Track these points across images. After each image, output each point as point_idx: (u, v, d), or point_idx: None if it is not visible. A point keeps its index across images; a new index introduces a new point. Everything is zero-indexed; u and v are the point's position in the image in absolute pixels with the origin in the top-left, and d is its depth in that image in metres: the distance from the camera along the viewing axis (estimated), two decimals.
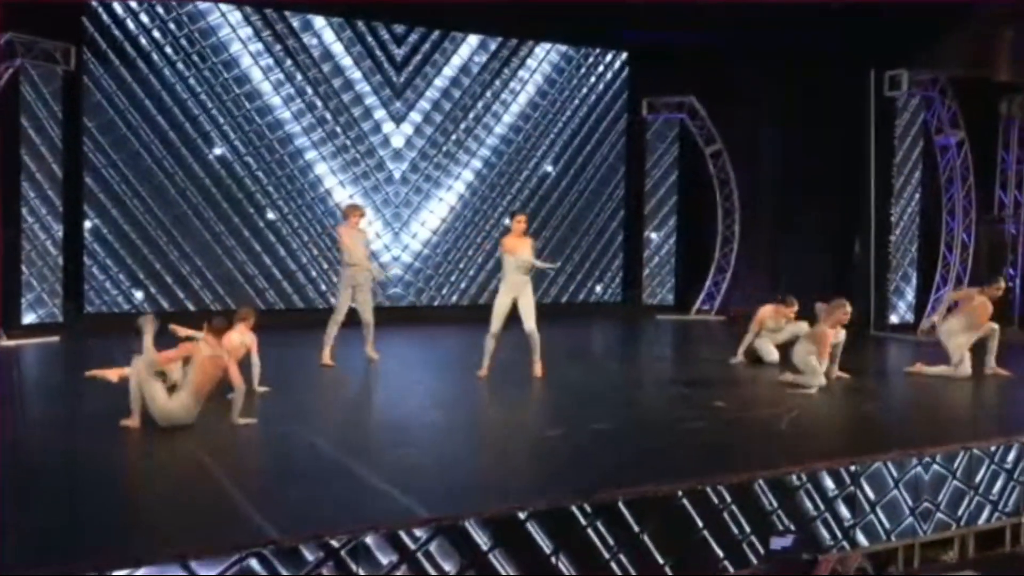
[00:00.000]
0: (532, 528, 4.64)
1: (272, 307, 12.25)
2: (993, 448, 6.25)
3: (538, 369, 8.56)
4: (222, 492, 4.94)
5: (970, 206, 12.47)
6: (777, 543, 4.28)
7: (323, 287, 12.73)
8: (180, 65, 11.78)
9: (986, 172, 12.70)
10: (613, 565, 4.82)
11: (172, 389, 6.44)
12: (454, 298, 13.68)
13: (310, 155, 12.59)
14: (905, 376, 9.14)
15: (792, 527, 4.84)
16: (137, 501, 4.97)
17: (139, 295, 11.73)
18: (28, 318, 10.76)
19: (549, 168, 14.13)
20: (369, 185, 12.97)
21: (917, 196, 12.47)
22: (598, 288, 14.71)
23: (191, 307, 11.87)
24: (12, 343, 10.15)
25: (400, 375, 9.09)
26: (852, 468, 5.67)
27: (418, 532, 4.35)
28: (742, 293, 14.25)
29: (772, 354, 9.58)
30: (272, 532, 4.21)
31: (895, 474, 5.83)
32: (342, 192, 12.76)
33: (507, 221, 13.71)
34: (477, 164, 13.67)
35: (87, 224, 11.44)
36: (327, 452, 5.82)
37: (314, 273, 12.75)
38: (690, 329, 13.46)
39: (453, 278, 13.64)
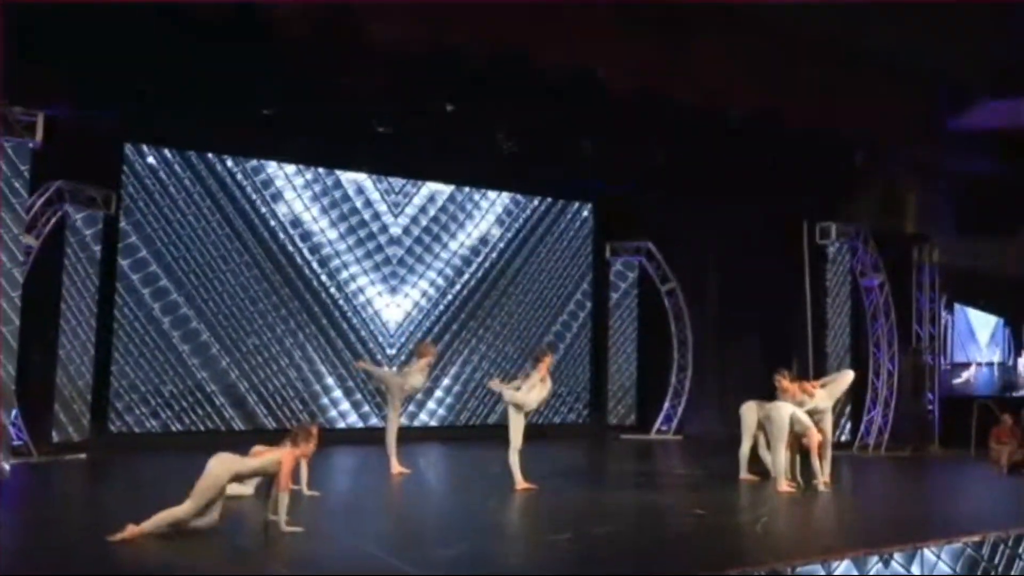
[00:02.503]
0: None
1: (283, 426, 12.48)
2: (939, 548, 6.76)
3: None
4: None
5: (893, 339, 13.33)
6: None
7: (298, 409, 13.02)
8: (205, 210, 12.34)
9: (905, 309, 13.62)
10: None
11: None
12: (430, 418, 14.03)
13: (324, 285, 13.11)
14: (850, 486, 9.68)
15: None
16: None
17: (157, 418, 11.91)
18: (57, 436, 10.84)
19: (522, 302, 14.80)
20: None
21: (847, 329, 13.30)
22: (567, 410, 15.14)
23: (205, 427, 12.09)
24: (43, 459, 10.23)
25: (405, 487, 9.39)
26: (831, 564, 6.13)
27: None
28: (696, 415, 14.86)
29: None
30: None
31: (858, 572, 6.28)
32: (354, 315, 13.26)
33: (483, 347, 14.38)
34: (463, 293, 14.27)
35: (115, 350, 11.68)
36: (377, 554, 6.11)
37: (299, 397, 13.03)
38: (652, 448, 13.89)
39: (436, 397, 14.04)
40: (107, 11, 8.77)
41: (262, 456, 6.65)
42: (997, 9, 10.76)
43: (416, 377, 9.90)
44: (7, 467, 7.75)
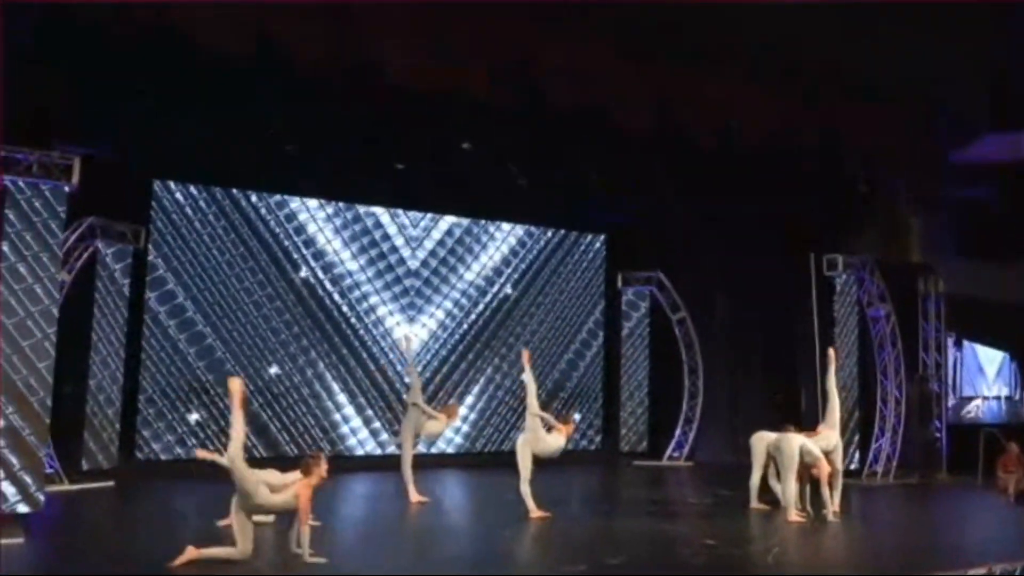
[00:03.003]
0: None
1: (304, 453, 12.56)
2: None
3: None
4: None
5: (900, 367, 13.32)
6: None
7: (318, 436, 13.11)
8: (230, 244, 12.53)
9: (911, 338, 13.62)
10: None
11: None
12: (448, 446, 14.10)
13: (344, 316, 13.25)
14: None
15: None
16: None
17: (181, 447, 12.03)
18: (86, 464, 10.96)
19: (536, 332, 14.89)
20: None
21: (855, 358, 13.29)
22: (580, 437, 15.16)
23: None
24: (73, 487, 10.35)
25: (423, 516, 9.45)
26: None
27: None
28: (707, 442, 14.88)
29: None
30: None
31: None
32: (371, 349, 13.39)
33: (498, 377, 14.46)
34: (478, 323, 14.39)
35: (143, 380, 11.84)
36: None
37: (319, 425, 13.14)
38: (663, 474, 13.88)
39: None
40: (136, 54, 9.03)
41: (282, 493, 6.74)
42: (998, 42, 10.88)
43: (435, 425, 10.01)
44: (42, 497, 7.87)
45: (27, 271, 7.78)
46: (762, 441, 9.79)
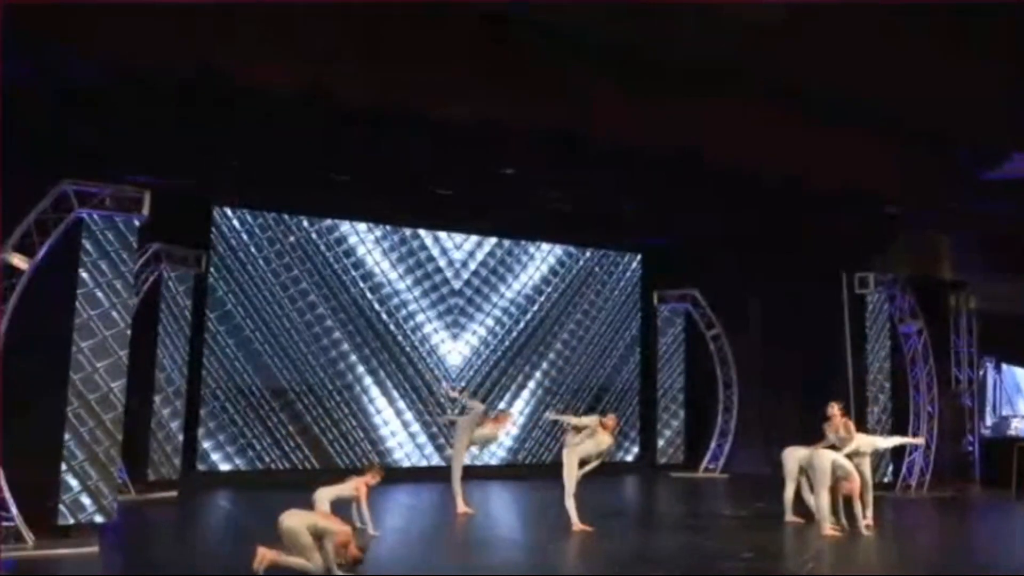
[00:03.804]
0: None
1: (354, 465, 12.87)
2: None
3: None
4: None
5: (932, 382, 13.25)
6: None
7: (367, 449, 13.36)
8: (283, 266, 12.91)
9: (943, 354, 13.54)
10: None
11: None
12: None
13: (392, 334, 13.54)
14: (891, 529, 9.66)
15: None
16: None
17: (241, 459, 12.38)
18: (151, 475, 11.33)
19: (576, 348, 15.06)
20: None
21: (888, 374, 13.23)
22: (617, 448, 15.25)
23: (283, 466, 12.54)
24: (139, 497, 10.73)
25: (468, 527, 9.63)
26: None
27: None
28: (741, 454, 14.90)
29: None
30: None
31: None
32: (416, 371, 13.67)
33: (540, 392, 14.65)
34: (520, 339, 14.58)
35: (204, 395, 12.23)
36: None
37: (368, 438, 13.40)
38: (700, 486, 13.93)
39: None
40: (197, 94, 9.38)
41: (332, 520, 6.98)
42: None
43: (489, 429, 10.24)
44: (115, 508, 8.23)
45: (103, 297, 8.17)
46: (793, 456, 9.83)
